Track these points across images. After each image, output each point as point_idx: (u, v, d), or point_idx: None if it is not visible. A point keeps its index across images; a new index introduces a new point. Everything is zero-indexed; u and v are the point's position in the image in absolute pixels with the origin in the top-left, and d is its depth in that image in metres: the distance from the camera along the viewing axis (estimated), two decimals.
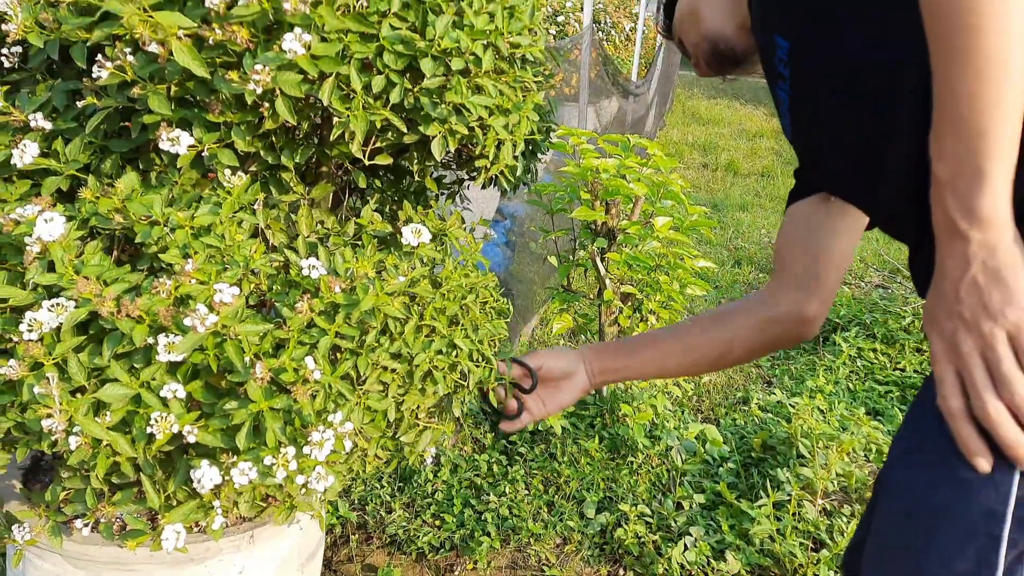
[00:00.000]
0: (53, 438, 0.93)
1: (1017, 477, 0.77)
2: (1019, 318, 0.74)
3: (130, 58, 0.96)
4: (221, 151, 1.05)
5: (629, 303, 2.52)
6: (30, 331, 0.91)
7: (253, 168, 1.16)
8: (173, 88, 0.99)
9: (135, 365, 0.96)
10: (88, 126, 1.02)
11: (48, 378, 0.91)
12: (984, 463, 0.77)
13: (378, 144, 1.12)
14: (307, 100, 1.05)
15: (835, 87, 0.98)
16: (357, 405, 1.06)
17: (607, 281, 2.47)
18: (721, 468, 2.45)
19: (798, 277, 1.26)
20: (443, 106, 1.05)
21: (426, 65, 1.01)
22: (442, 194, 1.49)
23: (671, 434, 2.54)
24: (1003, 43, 0.72)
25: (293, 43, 0.91)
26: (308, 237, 1.18)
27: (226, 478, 0.98)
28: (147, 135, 1.04)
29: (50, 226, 0.94)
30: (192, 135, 1.02)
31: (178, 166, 1.05)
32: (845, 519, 2.18)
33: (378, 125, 1.05)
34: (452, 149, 1.11)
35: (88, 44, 0.96)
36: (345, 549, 2.08)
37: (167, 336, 0.92)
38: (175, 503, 1.08)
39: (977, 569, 0.79)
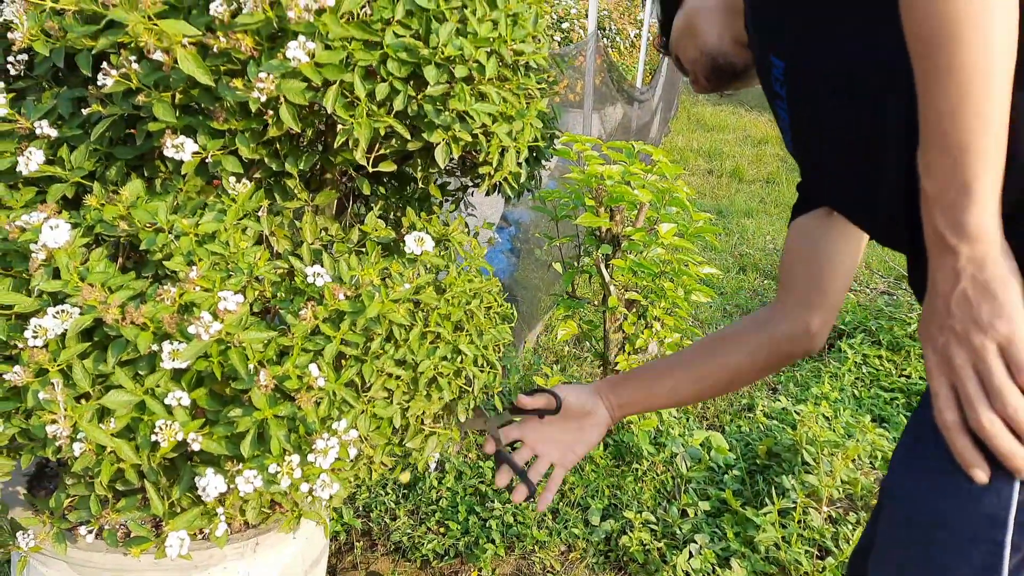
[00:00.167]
0: (57, 444, 0.93)
1: (1017, 484, 0.77)
2: (1009, 330, 0.75)
3: (135, 66, 0.96)
4: (225, 158, 1.05)
5: (634, 310, 2.52)
6: (35, 337, 0.91)
7: (257, 175, 1.16)
8: (178, 96, 1.00)
9: (139, 372, 0.96)
10: (93, 133, 1.03)
11: (53, 384, 0.91)
12: (981, 474, 0.78)
13: (382, 151, 1.12)
14: (311, 107, 1.06)
15: (835, 87, 0.98)
16: (362, 412, 1.06)
17: (612, 287, 2.46)
18: (726, 475, 2.44)
19: (802, 294, 1.27)
20: (447, 113, 1.05)
21: (430, 72, 1.02)
22: (446, 200, 1.50)
23: (676, 441, 2.53)
24: (983, 59, 0.73)
25: (297, 51, 0.92)
26: (312, 244, 1.18)
27: (231, 486, 0.98)
28: (152, 142, 1.04)
29: (55, 233, 0.94)
30: (196, 142, 1.02)
31: (183, 173, 1.05)
32: (850, 527, 2.17)
33: (382, 132, 1.05)
34: (456, 156, 1.11)
35: (93, 52, 0.97)
36: (350, 556, 2.08)
37: (171, 343, 0.92)
38: (179, 510, 1.08)
39: (982, 575, 0.79)
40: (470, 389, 1.19)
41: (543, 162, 1.45)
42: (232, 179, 1.08)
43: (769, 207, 6.19)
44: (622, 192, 2.30)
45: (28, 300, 0.96)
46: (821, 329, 1.27)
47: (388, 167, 1.16)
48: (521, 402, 1.24)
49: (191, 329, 0.91)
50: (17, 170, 1.01)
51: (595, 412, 1.35)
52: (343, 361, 1.06)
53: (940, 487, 0.83)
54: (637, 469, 2.44)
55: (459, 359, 1.15)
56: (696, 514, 2.25)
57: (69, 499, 1.11)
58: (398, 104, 1.03)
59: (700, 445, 2.54)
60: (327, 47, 0.97)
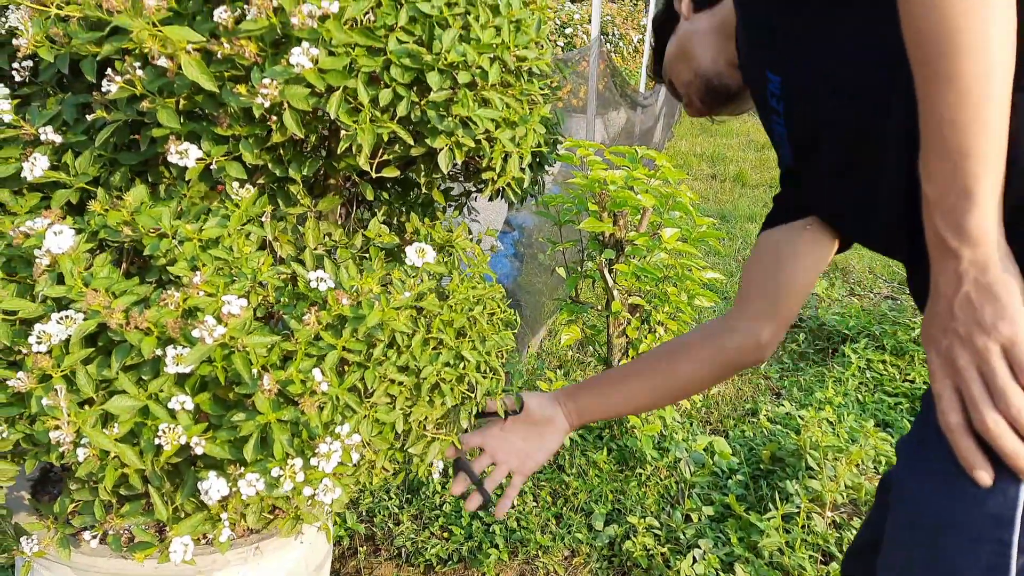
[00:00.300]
0: (61, 450, 0.93)
1: (1023, 485, 0.78)
2: (1012, 332, 0.75)
3: (139, 72, 0.97)
4: (229, 164, 1.06)
5: (637, 314, 2.52)
6: (39, 343, 0.92)
7: (261, 181, 1.16)
8: (182, 102, 1.00)
9: (143, 377, 0.97)
10: (98, 139, 1.03)
11: (57, 390, 0.91)
12: (985, 476, 0.78)
13: (385, 157, 1.12)
14: (314, 113, 1.06)
15: (835, 87, 0.99)
16: (365, 417, 1.06)
17: (615, 292, 2.47)
18: (730, 480, 2.44)
19: (758, 308, 1.30)
20: (450, 119, 1.06)
21: (433, 79, 1.02)
22: (449, 206, 1.50)
23: (679, 446, 2.53)
24: (983, 65, 0.74)
25: (301, 57, 0.92)
26: (315, 249, 1.18)
27: (233, 490, 0.98)
28: (156, 148, 1.04)
29: (59, 239, 0.95)
30: (201, 148, 1.02)
31: (187, 179, 1.06)
32: (854, 532, 2.17)
33: (385, 138, 1.05)
34: (459, 161, 1.11)
35: (98, 58, 0.97)
36: (353, 561, 2.08)
37: (175, 348, 0.93)
38: (183, 515, 1.08)
39: (989, 575, 0.79)
40: (473, 395, 1.19)
41: (546, 167, 1.45)
42: (236, 184, 1.08)
43: None
44: (625, 197, 2.30)
45: (32, 306, 0.97)
46: (771, 341, 1.30)
47: (391, 172, 1.16)
48: (486, 403, 1.26)
49: (195, 334, 0.91)
50: (22, 176, 1.01)
51: (555, 419, 1.38)
52: (346, 367, 1.06)
53: (945, 489, 0.83)
54: (641, 474, 2.44)
55: (462, 365, 1.15)
56: (700, 519, 2.24)
57: (73, 504, 1.12)
58: (401, 110, 1.03)
59: (704, 450, 2.54)
60: (331, 53, 0.97)
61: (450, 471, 1.40)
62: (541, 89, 1.22)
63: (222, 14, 0.93)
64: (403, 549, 2.11)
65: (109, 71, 0.97)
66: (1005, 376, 0.76)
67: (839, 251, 1.27)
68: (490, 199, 1.32)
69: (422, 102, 1.05)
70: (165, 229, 1.01)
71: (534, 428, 1.37)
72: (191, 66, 0.94)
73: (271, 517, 1.18)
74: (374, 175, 1.12)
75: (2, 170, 1.04)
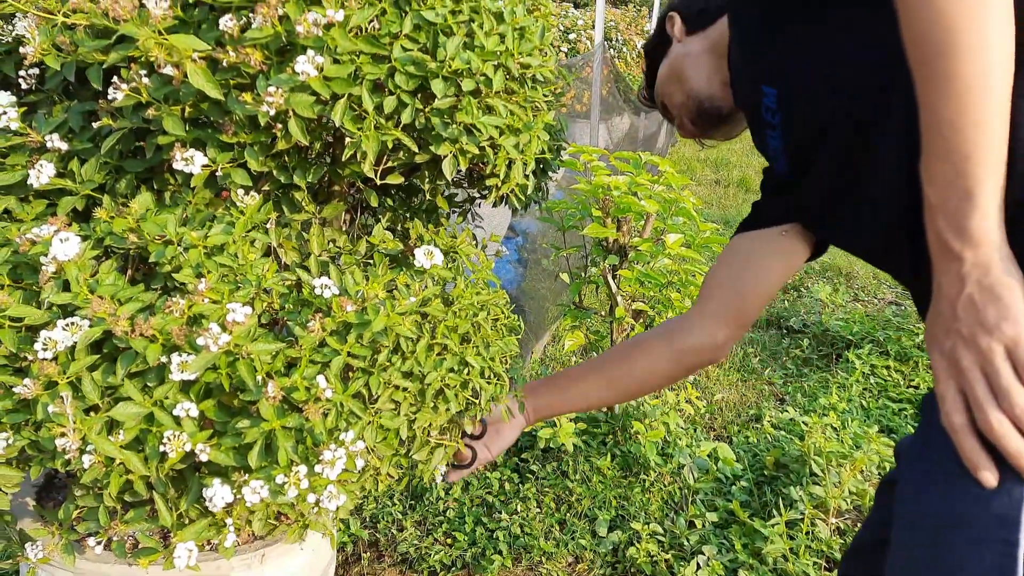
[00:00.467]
0: (67, 456, 0.93)
1: None
2: (1016, 332, 0.76)
3: (145, 80, 0.97)
4: (234, 171, 1.06)
5: (641, 320, 2.52)
6: (45, 350, 0.92)
7: (266, 188, 1.17)
8: (187, 109, 1.01)
9: (148, 384, 0.97)
10: (103, 147, 1.03)
11: (62, 397, 0.91)
12: (990, 476, 0.78)
13: (389, 163, 1.13)
14: (319, 121, 1.06)
15: (835, 87, 0.99)
16: (369, 423, 1.06)
17: (619, 298, 2.47)
18: (734, 486, 2.43)
19: (718, 311, 1.32)
20: (454, 126, 1.06)
21: (437, 86, 1.02)
22: (453, 212, 1.50)
23: (683, 452, 2.53)
24: (982, 67, 0.74)
25: (306, 65, 0.92)
26: (320, 256, 1.18)
27: (238, 496, 0.98)
28: (161, 155, 1.05)
29: (65, 246, 0.95)
30: (206, 155, 1.03)
31: (192, 186, 1.06)
32: None
33: (389, 145, 1.05)
34: (463, 168, 1.11)
35: (104, 66, 0.98)
36: (356, 567, 2.08)
37: (180, 355, 0.93)
38: (187, 521, 1.08)
39: (995, 575, 0.79)
40: (477, 401, 1.19)
41: (550, 173, 1.46)
42: (241, 192, 1.09)
43: None
44: (629, 203, 2.30)
45: (38, 312, 0.97)
46: (727, 343, 1.33)
47: (396, 179, 1.17)
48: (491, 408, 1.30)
49: (200, 341, 0.91)
50: (28, 183, 1.02)
51: (512, 417, 1.41)
52: (350, 373, 1.06)
53: (950, 489, 0.84)
54: (644, 480, 2.43)
55: (466, 371, 1.15)
56: (704, 525, 2.24)
57: (78, 510, 1.12)
58: (406, 117, 1.04)
59: (708, 456, 2.54)
60: (335, 61, 0.97)
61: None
62: (545, 96, 1.22)
63: (228, 22, 0.94)
64: (407, 555, 2.11)
65: (115, 79, 0.98)
66: (1009, 376, 0.76)
67: (809, 259, 1.29)
68: (494, 205, 1.33)
69: (426, 109, 1.05)
70: (170, 236, 1.02)
71: (492, 425, 1.42)
72: (197, 74, 0.95)
73: (276, 523, 1.18)
74: (378, 182, 1.13)
75: (8, 177, 1.04)
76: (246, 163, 1.06)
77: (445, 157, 1.09)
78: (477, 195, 1.47)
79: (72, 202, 1.06)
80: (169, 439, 0.94)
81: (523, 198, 1.30)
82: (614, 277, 2.47)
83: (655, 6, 8.77)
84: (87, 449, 0.93)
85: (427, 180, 1.31)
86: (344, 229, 1.32)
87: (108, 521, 1.07)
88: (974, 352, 0.78)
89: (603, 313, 2.63)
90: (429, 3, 1.03)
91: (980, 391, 0.78)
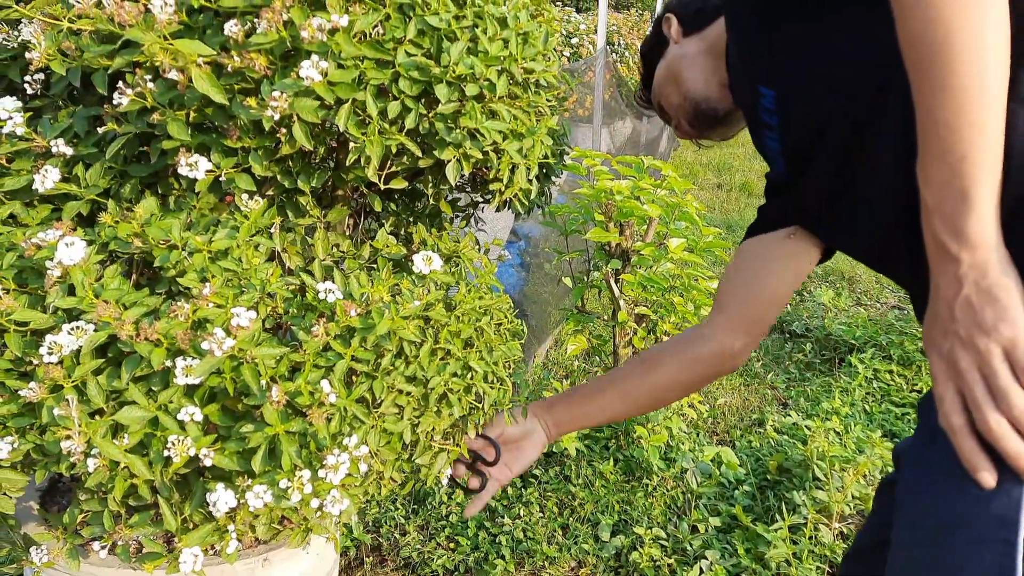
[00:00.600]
0: (72, 460, 0.93)
1: None
2: (1013, 333, 0.76)
3: (150, 85, 0.98)
4: (239, 176, 1.06)
5: (643, 324, 2.52)
6: (50, 354, 0.92)
7: (270, 192, 1.17)
8: (192, 114, 1.01)
9: (153, 388, 0.97)
10: (108, 152, 1.04)
11: (68, 400, 0.92)
12: (988, 477, 0.79)
13: (393, 168, 1.13)
14: (323, 125, 1.07)
15: (832, 87, 0.99)
16: (372, 428, 1.06)
17: (621, 302, 2.47)
18: (736, 491, 2.43)
19: (732, 319, 1.32)
20: (457, 131, 1.06)
21: (441, 91, 1.02)
22: (457, 216, 1.50)
23: (686, 456, 2.53)
24: (979, 69, 0.74)
25: (310, 70, 0.93)
26: (324, 260, 1.18)
27: (241, 501, 0.98)
28: (166, 160, 1.05)
29: (71, 250, 0.95)
30: (210, 160, 1.03)
31: (196, 191, 1.06)
32: None
33: (393, 150, 1.06)
34: (466, 173, 1.12)
35: (109, 71, 0.98)
36: (359, 572, 2.08)
37: (185, 359, 0.93)
38: (192, 526, 1.08)
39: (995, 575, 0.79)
40: (480, 405, 1.19)
41: (553, 178, 1.46)
42: (245, 196, 1.09)
43: None
44: (631, 207, 2.30)
45: (43, 317, 0.97)
46: (744, 350, 1.32)
47: (399, 184, 1.17)
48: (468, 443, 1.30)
49: (204, 345, 0.92)
50: (33, 188, 1.02)
51: (533, 432, 1.42)
52: (354, 377, 1.06)
53: (950, 490, 0.84)
54: (647, 484, 2.43)
55: (469, 376, 1.15)
56: (707, 530, 2.24)
57: (82, 515, 1.12)
58: (410, 122, 1.04)
59: (711, 460, 2.54)
60: (340, 66, 0.98)
61: (460, 479, 1.43)
62: (548, 100, 1.22)
63: (232, 28, 0.94)
64: (409, 560, 2.11)
65: (120, 84, 0.98)
66: (1007, 377, 0.76)
67: (820, 261, 1.28)
68: (497, 210, 1.33)
69: (430, 114, 1.06)
70: (175, 241, 1.02)
71: (512, 443, 1.41)
72: (201, 79, 0.95)
73: (279, 528, 1.18)
74: (382, 186, 1.13)
75: (14, 182, 1.05)
76: (250, 168, 1.06)
77: (449, 162, 1.09)
78: (480, 199, 1.48)
79: (77, 207, 1.07)
80: (173, 443, 0.94)
81: (526, 202, 1.30)
82: (616, 281, 2.47)
83: (657, 10, 8.78)
84: (92, 453, 0.94)
85: (431, 184, 1.32)
86: (348, 233, 1.33)
87: (112, 525, 1.07)
88: (972, 353, 0.78)
89: (605, 317, 2.63)
90: (433, 8, 1.03)
91: (978, 392, 0.78)
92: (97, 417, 0.95)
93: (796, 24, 1.00)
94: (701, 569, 2.07)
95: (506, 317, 1.30)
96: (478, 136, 1.08)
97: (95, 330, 0.94)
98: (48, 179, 1.01)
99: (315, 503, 1.00)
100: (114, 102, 0.99)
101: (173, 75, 0.95)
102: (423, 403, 1.12)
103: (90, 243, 1.02)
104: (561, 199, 3.28)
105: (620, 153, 5.02)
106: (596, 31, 5.56)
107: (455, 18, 1.05)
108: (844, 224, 1.11)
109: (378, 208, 1.28)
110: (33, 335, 0.97)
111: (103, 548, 1.14)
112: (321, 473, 0.98)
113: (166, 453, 0.94)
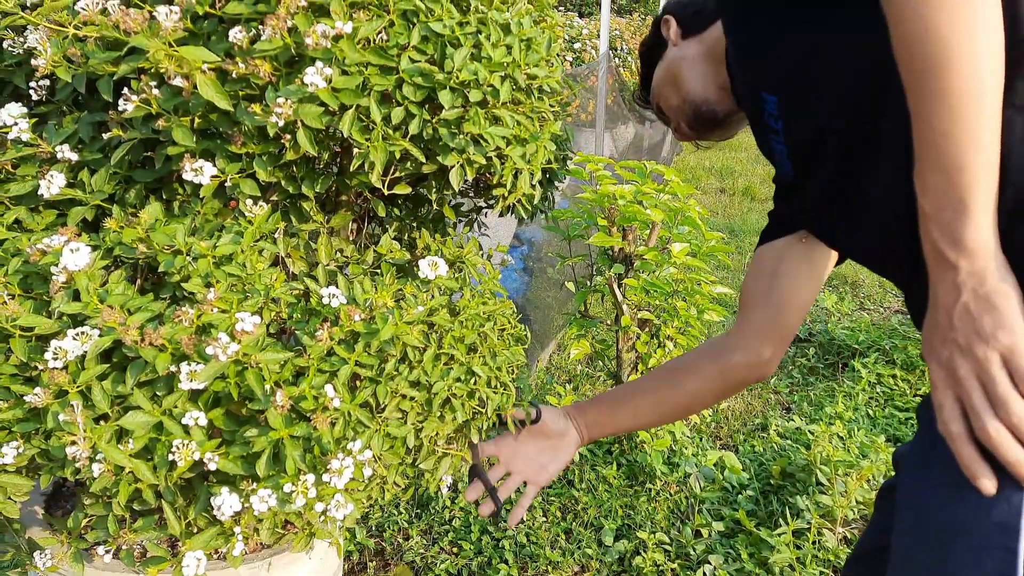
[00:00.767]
0: (77, 465, 0.94)
1: None
2: (1012, 341, 0.76)
3: (155, 91, 0.98)
4: (243, 181, 1.07)
5: (647, 329, 2.52)
6: (55, 359, 0.93)
7: (274, 197, 1.18)
8: (197, 120, 1.01)
9: (157, 393, 0.97)
10: (113, 157, 1.04)
11: (72, 405, 0.92)
12: (988, 484, 0.79)
13: (397, 174, 1.13)
14: (328, 131, 1.07)
15: (831, 91, 0.99)
16: (376, 432, 1.07)
17: (624, 307, 2.47)
18: (740, 495, 2.43)
19: (758, 325, 1.31)
20: (461, 137, 1.07)
21: (444, 97, 1.03)
22: (460, 221, 1.51)
23: (689, 461, 2.53)
24: (974, 79, 0.74)
25: (315, 76, 0.93)
26: (328, 265, 1.19)
27: (246, 505, 0.99)
28: (171, 166, 1.06)
29: (76, 256, 0.96)
30: (215, 166, 1.03)
31: (201, 196, 1.07)
32: None
33: (397, 155, 1.06)
34: (470, 178, 1.12)
35: (114, 78, 0.98)
36: None
37: (189, 364, 0.93)
38: (196, 530, 1.08)
39: None
40: (483, 410, 1.19)
41: (556, 183, 1.46)
42: (249, 202, 1.09)
43: None
44: (634, 212, 2.31)
45: (48, 322, 0.98)
46: (773, 357, 1.31)
47: (403, 189, 1.17)
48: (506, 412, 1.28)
49: (208, 350, 0.92)
50: (39, 193, 1.03)
51: (567, 433, 1.41)
52: (358, 382, 1.07)
53: (951, 497, 0.84)
54: (651, 489, 2.43)
55: (473, 380, 1.15)
56: (710, 535, 2.24)
57: (87, 519, 1.12)
58: (413, 128, 1.04)
59: (714, 465, 2.54)
60: (344, 72, 0.98)
61: (463, 479, 1.42)
62: (551, 106, 1.23)
63: (237, 34, 0.94)
64: (413, 564, 2.11)
65: (125, 90, 0.98)
66: (1005, 385, 0.76)
67: (838, 263, 1.28)
68: (500, 215, 1.33)
69: (434, 120, 1.06)
70: (179, 246, 1.02)
71: (547, 441, 1.39)
72: (206, 85, 0.95)
73: (283, 532, 1.18)
74: (386, 192, 1.13)
75: (19, 188, 1.05)
76: (255, 173, 1.06)
77: (452, 167, 1.10)
78: (484, 204, 1.48)
79: (82, 212, 1.07)
80: (178, 448, 0.94)
81: (529, 208, 1.31)
82: (619, 286, 2.47)
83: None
84: (97, 457, 0.94)
85: (434, 190, 1.32)
86: (351, 239, 1.33)
87: (117, 530, 1.08)
88: (971, 361, 0.78)
89: (608, 322, 2.63)
90: (436, 15, 1.04)
91: (977, 400, 0.78)
92: (102, 422, 0.96)
93: (796, 28, 1.00)
94: (704, 574, 2.07)
95: (509, 322, 1.30)
96: (482, 141, 1.08)
97: (100, 335, 0.94)
98: (53, 185, 1.02)
99: (319, 507, 1.01)
100: (119, 108, 0.99)
101: (178, 81, 0.95)
102: (427, 408, 1.12)
103: (95, 248, 1.02)
104: (564, 204, 3.29)
105: (623, 158, 5.02)
106: (599, 36, 5.56)
107: (459, 24, 1.05)
108: (844, 224, 1.11)
109: (382, 213, 1.28)
110: (38, 340, 0.98)
111: (107, 552, 1.14)
112: (325, 477, 0.98)
113: (170, 457, 0.95)
